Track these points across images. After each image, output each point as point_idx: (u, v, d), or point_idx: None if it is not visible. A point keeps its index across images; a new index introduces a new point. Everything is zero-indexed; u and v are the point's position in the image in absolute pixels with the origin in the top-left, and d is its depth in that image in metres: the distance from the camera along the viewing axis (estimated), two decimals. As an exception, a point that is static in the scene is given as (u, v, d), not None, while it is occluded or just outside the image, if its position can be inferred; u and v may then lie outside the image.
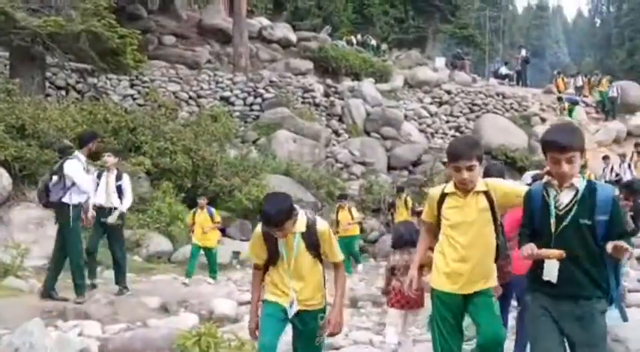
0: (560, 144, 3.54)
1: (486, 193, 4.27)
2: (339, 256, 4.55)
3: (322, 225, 4.43)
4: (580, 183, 3.63)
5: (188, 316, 8.75)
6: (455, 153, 4.21)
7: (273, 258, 4.43)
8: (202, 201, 13.06)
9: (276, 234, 4.24)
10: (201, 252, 12.90)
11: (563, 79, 32.79)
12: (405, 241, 6.52)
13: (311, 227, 4.36)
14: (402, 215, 16.61)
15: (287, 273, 4.42)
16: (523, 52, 35.44)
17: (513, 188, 4.40)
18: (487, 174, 7.00)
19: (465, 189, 4.28)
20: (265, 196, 4.45)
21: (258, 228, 4.41)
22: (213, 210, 13.10)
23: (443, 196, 4.38)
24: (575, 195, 3.61)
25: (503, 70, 34.05)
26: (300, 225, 4.33)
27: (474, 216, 4.26)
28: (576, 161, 3.54)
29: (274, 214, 4.12)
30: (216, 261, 13.22)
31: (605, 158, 21.17)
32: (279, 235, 4.25)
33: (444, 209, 4.36)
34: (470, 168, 4.14)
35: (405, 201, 17.14)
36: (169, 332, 6.98)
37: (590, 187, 3.63)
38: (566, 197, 3.63)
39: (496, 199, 4.27)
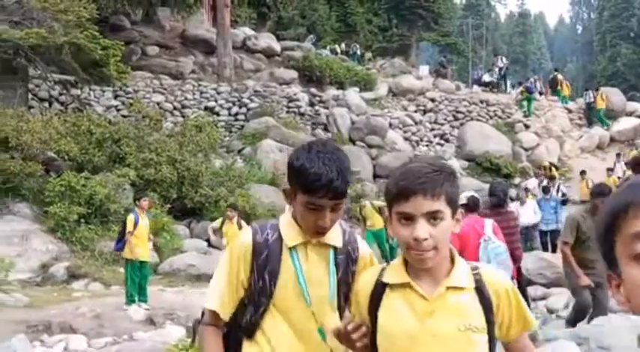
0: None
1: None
2: None
3: (365, 245, 2.51)
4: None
5: (174, 328, 8.72)
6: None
7: (262, 299, 2.31)
8: (144, 202, 10.71)
9: (317, 229, 2.25)
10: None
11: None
12: None
13: (350, 242, 2.42)
14: None
15: (309, 330, 2.32)
16: (501, 61, 35.56)
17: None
18: (492, 193, 7.24)
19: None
20: (300, 149, 2.31)
21: (245, 237, 2.35)
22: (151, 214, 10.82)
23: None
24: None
25: (486, 77, 34.20)
26: (336, 234, 2.37)
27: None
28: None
29: (337, 170, 2.19)
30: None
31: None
32: (322, 229, 2.25)
33: None
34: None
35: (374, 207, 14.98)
36: (155, 345, 6.95)
37: None
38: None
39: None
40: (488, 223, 6.54)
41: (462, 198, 7.12)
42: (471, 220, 6.39)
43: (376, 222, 15.22)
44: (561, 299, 11.28)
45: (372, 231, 15.31)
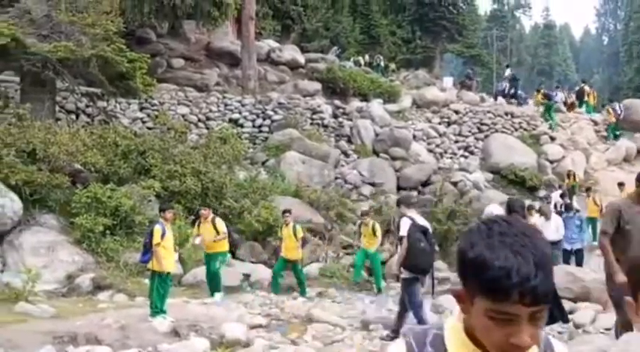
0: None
1: None
2: None
3: (562, 347, 1.77)
4: None
5: (199, 340, 8.73)
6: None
7: None
8: (169, 214, 10.76)
9: (509, 348, 1.49)
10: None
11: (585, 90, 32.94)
12: None
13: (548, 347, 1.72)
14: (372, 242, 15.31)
15: None
16: (508, 71, 35.17)
17: None
18: (512, 209, 7.39)
19: None
20: (474, 231, 1.57)
21: None
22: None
23: None
24: None
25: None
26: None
27: None
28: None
29: (534, 260, 1.47)
30: None
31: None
32: (517, 349, 1.49)
33: None
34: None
35: (374, 228, 15.29)
36: (180, 357, 6.97)
37: None
38: None
39: None
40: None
41: (488, 212, 7.26)
42: None
43: (371, 243, 15.45)
44: (588, 313, 11.15)
45: (366, 251, 15.60)
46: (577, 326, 10.77)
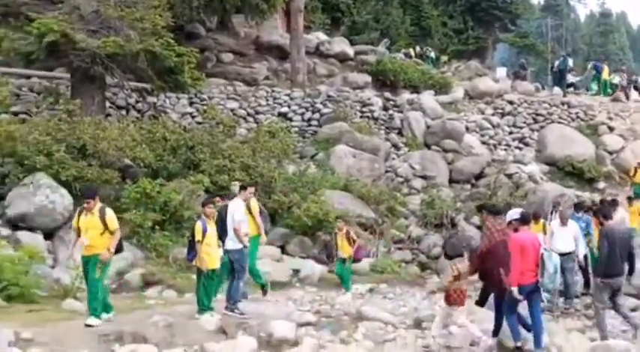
0: None
1: None
2: None
3: None
4: None
5: (246, 339, 8.49)
6: None
7: None
8: (209, 209, 10.15)
9: None
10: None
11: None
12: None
13: None
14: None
15: None
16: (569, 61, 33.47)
17: None
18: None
19: None
20: None
21: None
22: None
23: None
24: None
25: (569, 78, 32.81)
26: None
27: None
28: None
29: None
30: None
31: None
32: None
33: None
34: None
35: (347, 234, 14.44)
36: (226, 357, 6.75)
37: None
38: None
39: None
40: (540, 237, 8.45)
41: (514, 214, 8.66)
42: (528, 233, 8.22)
43: (345, 251, 14.45)
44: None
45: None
46: None
